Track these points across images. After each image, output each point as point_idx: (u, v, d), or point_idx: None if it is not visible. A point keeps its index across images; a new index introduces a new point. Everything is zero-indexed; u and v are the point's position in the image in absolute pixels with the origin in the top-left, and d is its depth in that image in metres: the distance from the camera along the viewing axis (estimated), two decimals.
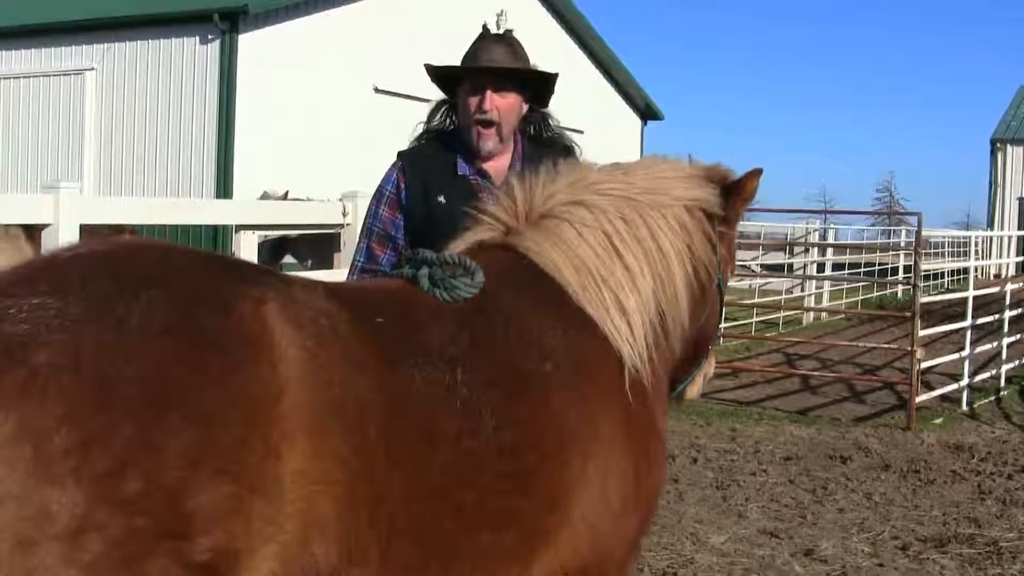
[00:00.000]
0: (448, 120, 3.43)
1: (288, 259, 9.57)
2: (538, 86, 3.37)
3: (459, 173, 3.31)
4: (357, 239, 3.47)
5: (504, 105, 3.25)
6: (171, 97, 17.59)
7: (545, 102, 3.43)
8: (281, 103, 17.29)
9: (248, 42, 17.18)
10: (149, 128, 17.81)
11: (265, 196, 9.47)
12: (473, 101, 3.25)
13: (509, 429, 2.13)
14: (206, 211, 7.16)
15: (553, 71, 3.35)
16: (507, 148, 3.34)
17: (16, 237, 6.89)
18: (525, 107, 3.35)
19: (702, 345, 2.92)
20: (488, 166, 3.32)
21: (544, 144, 3.39)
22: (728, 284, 3.04)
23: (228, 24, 16.90)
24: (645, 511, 2.50)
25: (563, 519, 2.24)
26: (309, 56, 17.82)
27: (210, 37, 17.15)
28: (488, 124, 3.25)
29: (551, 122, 3.46)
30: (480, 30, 3.41)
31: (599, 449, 2.31)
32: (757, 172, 2.83)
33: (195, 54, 17.38)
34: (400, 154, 3.42)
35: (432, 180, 3.30)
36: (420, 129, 3.47)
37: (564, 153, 3.22)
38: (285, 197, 9.33)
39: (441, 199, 3.26)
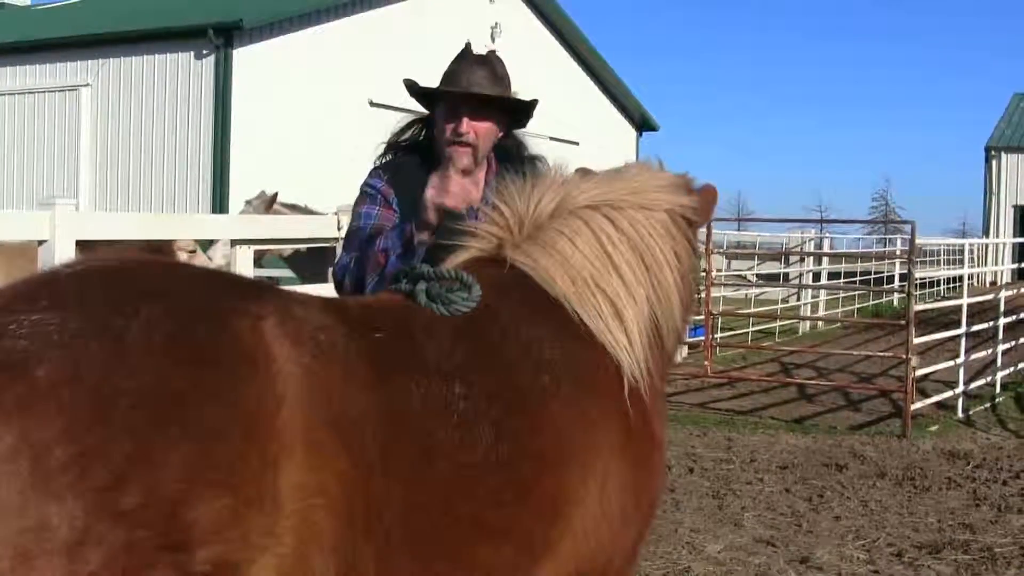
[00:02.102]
0: (421, 135, 3.39)
1: (262, 271, 9.43)
2: (517, 110, 3.35)
3: None
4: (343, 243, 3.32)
5: (481, 129, 3.23)
6: (166, 112, 17.63)
7: (523, 124, 3.41)
8: (276, 117, 17.33)
9: (243, 57, 17.23)
10: (145, 143, 17.84)
11: (262, 195, 9.28)
12: (450, 125, 3.22)
13: (508, 442, 2.14)
14: (203, 226, 7.18)
15: (532, 98, 3.32)
16: (480, 169, 3.32)
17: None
18: (501, 133, 3.32)
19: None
20: None
21: (515, 162, 3.36)
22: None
23: (223, 39, 16.95)
24: (644, 520, 2.51)
25: (563, 530, 2.24)
26: (304, 70, 17.86)
27: (205, 52, 17.19)
28: (464, 144, 3.23)
29: (523, 144, 3.44)
30: (463, 48, 3.37)
31: (598, 460, 2.32)
32: (713, 187, 2.91)
33: (190, 69, 17.42)
34: (384, 167, 3.35)
35: (418, 198, 3.21)
36: (389, 141, 3.42)
37: (533, 167, 3.18)
38: (274, 199, 9.06)
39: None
